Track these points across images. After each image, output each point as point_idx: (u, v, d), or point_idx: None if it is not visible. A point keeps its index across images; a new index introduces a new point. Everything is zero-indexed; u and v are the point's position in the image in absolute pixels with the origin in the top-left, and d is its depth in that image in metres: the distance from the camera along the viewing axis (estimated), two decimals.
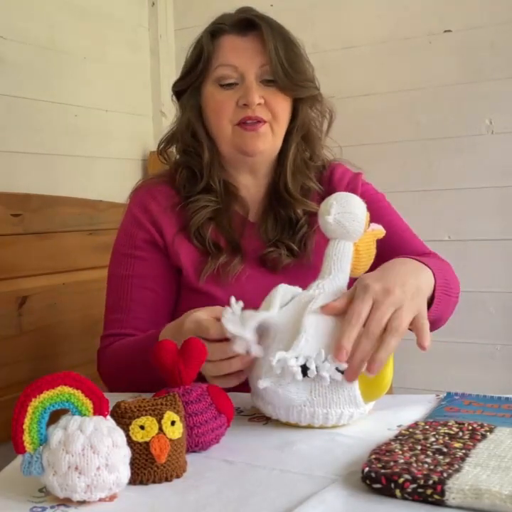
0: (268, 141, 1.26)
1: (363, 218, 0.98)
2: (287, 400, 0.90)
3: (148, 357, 0.90)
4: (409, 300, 0.93)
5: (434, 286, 1.06)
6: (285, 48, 1.25)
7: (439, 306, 1.09)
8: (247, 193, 1.34)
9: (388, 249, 1.07)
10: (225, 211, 1.30)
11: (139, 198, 1.33)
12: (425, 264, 1.06)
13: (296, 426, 0.93)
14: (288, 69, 1.24)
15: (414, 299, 0.94)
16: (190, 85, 1.30)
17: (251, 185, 1.34)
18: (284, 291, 0.97)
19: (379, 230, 1.04)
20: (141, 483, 0.76)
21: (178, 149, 1.36)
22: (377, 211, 1.22)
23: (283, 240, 1.28)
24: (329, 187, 1.34)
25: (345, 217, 0.97)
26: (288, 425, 0.93)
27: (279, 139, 1.28)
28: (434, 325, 1.16)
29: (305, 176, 1.33)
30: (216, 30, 1.28)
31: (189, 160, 1.32)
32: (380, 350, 0.88)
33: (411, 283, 0.96)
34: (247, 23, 1.26)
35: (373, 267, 1.01)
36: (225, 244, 1.27)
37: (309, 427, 0.92)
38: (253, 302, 0.98)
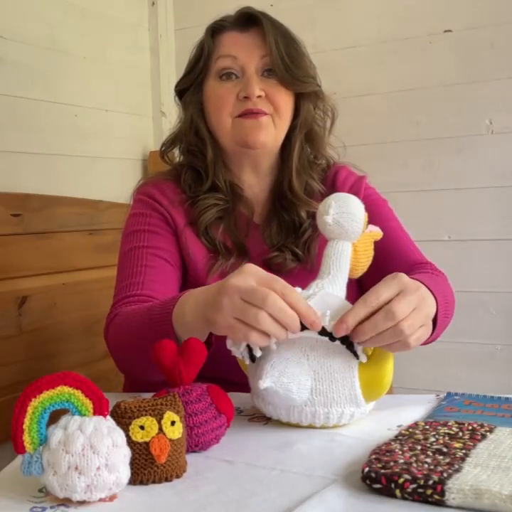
0: (270, 133, 1.25)
1: (362, 219, 0.99)
2: (288, 399, 0.90)
3: (160, 325, 0.88)
4: (426, 309, 0.93)
5: (437, 311, 1.04)
6: (286, 43, 1.25)
7: (439, 330, 1.08)
8: (251, 193, 1.33)
9: (386, 256, 1.07)
10: (232, 211, 1.29)
11: (146, 191, 1.31)
12: (431, 291, 1.03)
13: (297, 426, 0.93)
14: (288, 63, 1.24)
15: (426, 314, 0.95)
16: (192, 83, 1.30)
17: (254, 185, 1.33)
18: None
19: (376, 232, 1.04)
20: (141, 483, 0.76)
21: (182, 150, 1.35)
22: (379, 216, 1.21)
23: (287, 244, 1.28)
24: (332, 189, 1.32)
25: (344, 217, 0.97)
26: (288, 425, 0.93)
27: (280, 132, 1.27)
28: (427, 343, 1.17)
29: (309, 176, 1.32)
30: (217, 28, 1.29)
31: (193, 160, 1.32)
32: (376, 339, 0.87)
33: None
34: (248, 18, 1.27)
35: (370, 271, 1.01)
36: (232, 246, 1.27)
37: (310, 427, 0.92)
38: None
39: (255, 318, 0.84)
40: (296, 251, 1.27)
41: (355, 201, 0.99)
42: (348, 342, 0.89)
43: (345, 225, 0.97)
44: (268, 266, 1.27)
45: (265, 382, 0.88)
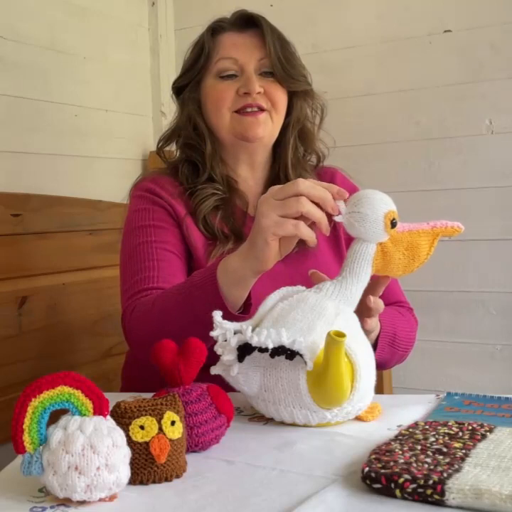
0: (268, 129, 1.31)
1: (377, 219, 0.94)
2: (240, 390, 0.92)
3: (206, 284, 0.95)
4: None
5: (379, 334, 1.13)
6: (281, 45, 1.32)
7: (383, 353, 1.16)
8: (246, 187, 1.37)
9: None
10: (229, 202, 1.33)
11: (145, 186, 1.33)
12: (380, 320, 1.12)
13: (293, 424, 0.93)
14: (285, 63, 1.31)
15: None
16: (190, 81, 1.35)
17: (249, 178, 1.37)
18: (282, 295, 0.97)
19: (442, 228, 1.00)
20: (141, 483, 0.76)
21: (180, 145, 1.38)
22: None
23: None
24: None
25: (354, 216, 0.94)
26: (288, 425, 0.93)
27: (277, 127, 1.33)
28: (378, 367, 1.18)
29: (302, 169, 1.37)
30: (216, 28, 1.34)
31: (191, 153, 1.35)
32: None
33: None
34: (246, 20, 1.33)
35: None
36: (229, 233, 1.30)
37: (294, 424, 0.92)
38: (256, 288, 1.01)
39: (297, 202, 0.92)
40: None
41: (370, 201, 0.95)
42: (287, 353, 0.86)
43: (356, 225, 0.94)
44: None
45: (215, 370, 0.91)
